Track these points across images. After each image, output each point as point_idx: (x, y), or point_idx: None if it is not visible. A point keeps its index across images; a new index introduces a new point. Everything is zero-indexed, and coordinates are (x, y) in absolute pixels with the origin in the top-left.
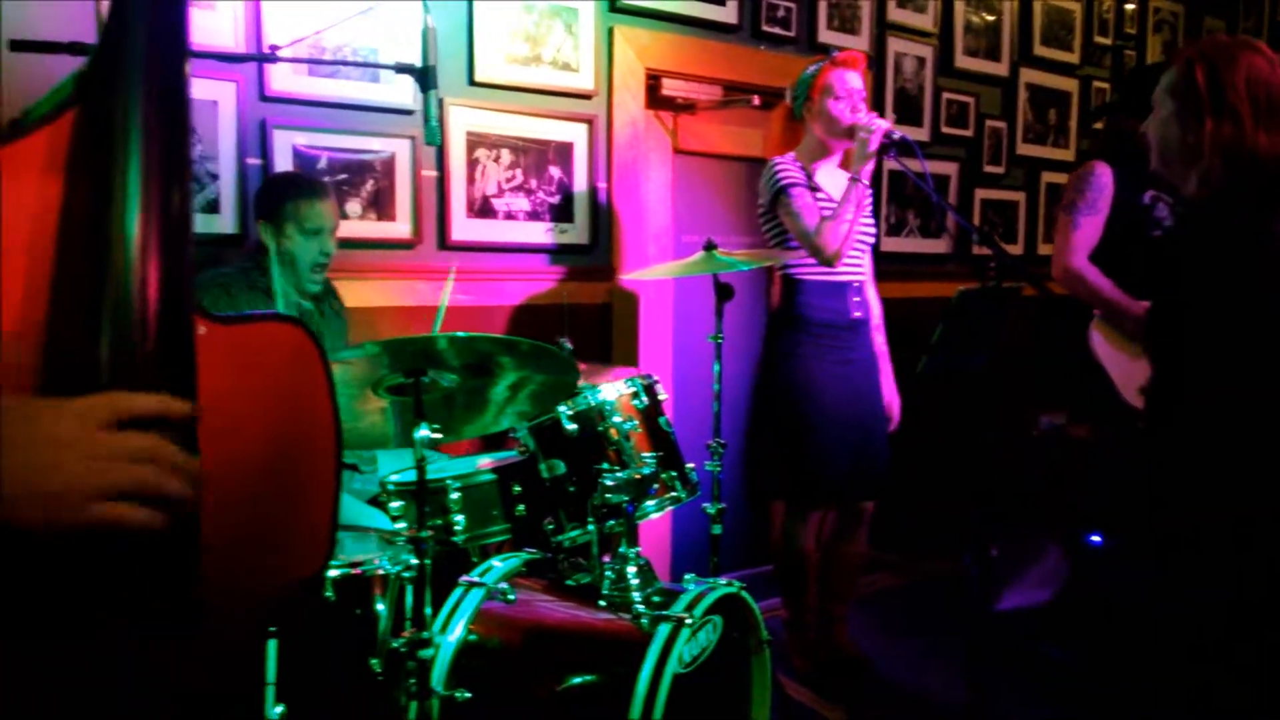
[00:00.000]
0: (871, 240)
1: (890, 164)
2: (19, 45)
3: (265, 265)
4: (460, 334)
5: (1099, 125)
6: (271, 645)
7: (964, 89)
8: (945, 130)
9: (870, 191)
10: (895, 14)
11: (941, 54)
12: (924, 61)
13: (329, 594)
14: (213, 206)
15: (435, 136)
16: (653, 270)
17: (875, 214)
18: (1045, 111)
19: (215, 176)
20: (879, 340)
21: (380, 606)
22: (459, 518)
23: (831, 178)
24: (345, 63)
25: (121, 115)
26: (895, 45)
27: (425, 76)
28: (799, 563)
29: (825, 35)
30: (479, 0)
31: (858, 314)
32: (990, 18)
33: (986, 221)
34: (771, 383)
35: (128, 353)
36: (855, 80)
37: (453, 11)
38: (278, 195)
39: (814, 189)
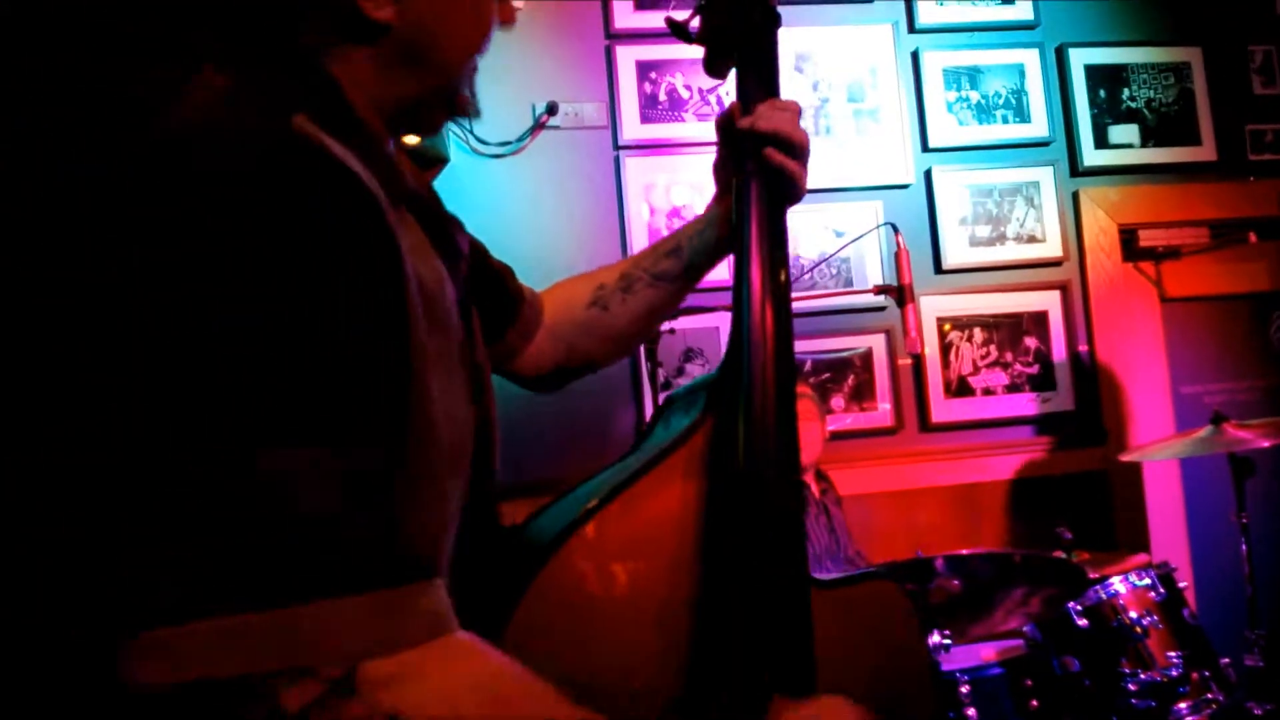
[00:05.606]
0: None
1: None
2: None
3: None
4: (959, 553)
5: None
6: None
7: None
8: None
9: None
10: None
11: None
12: None
13: None
14: None
15: (916, 346)
16: (1154, 451)
17: None
18: None
19: None
20: None
21: None
22: (970, 711)
23: None
24: (831, 294)
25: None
26: None
27: (900, 293)
28: None
29: None
30: (940, 195)
31: None
32: None
33: None
34: None
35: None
36: None
37: (915, 210)
38: None
39: None
